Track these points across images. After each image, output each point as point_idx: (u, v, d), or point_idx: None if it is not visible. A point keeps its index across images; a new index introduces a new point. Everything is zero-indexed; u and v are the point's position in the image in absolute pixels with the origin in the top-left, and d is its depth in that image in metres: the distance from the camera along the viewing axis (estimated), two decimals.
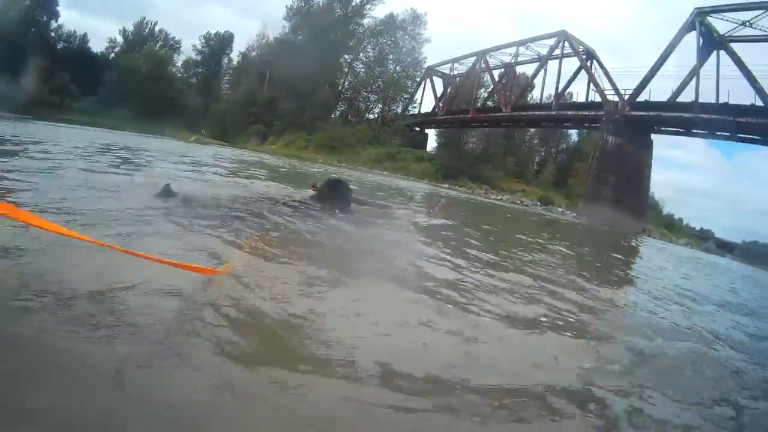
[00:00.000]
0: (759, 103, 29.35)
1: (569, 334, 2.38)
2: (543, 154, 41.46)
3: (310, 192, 4.84)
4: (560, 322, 2.51)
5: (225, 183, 6.18)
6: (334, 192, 4.40)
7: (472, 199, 26.44)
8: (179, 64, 49.41)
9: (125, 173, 5.39)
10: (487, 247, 4.64)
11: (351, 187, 4.76)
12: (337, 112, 42.67)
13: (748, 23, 32.10)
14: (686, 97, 33.61)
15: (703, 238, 39.67)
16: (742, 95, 30.00)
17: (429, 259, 3.35)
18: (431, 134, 41.61)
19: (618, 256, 8.52)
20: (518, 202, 35.15)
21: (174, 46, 50.54)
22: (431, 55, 45.74)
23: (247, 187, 5.84)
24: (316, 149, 41.29)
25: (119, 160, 6.75)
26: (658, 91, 32.91)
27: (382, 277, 2.54)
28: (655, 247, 19.52)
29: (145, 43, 46.36)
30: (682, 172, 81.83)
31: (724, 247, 38.74)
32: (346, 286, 2.26)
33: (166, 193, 3.54)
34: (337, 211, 4.10)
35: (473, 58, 39.69)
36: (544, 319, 2.49)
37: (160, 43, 49.83)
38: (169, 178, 4.77)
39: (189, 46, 52.22)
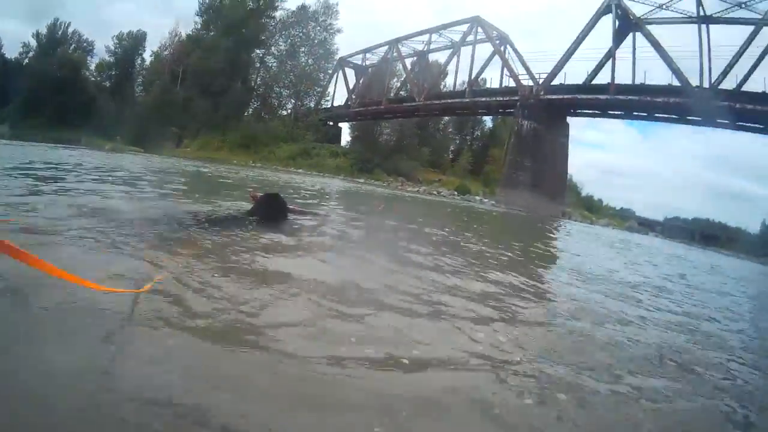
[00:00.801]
0: (676, 83, 29.70)
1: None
2: (458, 142, 40.96)
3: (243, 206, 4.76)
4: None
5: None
6: (269, 208, 4.29)
7: (389, 194, 25.71)
8: (92, 67, 46.41)
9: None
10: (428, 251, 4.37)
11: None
12: (250, 110, 40.76)
13: (664, 6, 32.39)
14: (602, 79, 33.61)
15: (624, 217, 40.15)
16: (659, 76, 30.08)
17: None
18: (345, 127, 40.43)
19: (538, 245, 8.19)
20: (435, 192, 34.47)
21: (87, 48, 47.79)
22: (344, 46, 44.66)
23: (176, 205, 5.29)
24: (231, 149, 39.58)
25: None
26: (575, 75, 32.74)
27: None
28: (576, 230, 19.40)
29: (58, 47, 43.80)
30: (599, 152, 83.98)
31: (647, 225, 39.38)
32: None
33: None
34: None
35: (386, 48, 38.54)
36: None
37: (73, 45, 46.93)
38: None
39: (102, 47, 49.11)
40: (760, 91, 27.51)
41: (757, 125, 31.93)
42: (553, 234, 13.80)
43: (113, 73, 49.32)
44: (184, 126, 42.55)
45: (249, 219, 4.06)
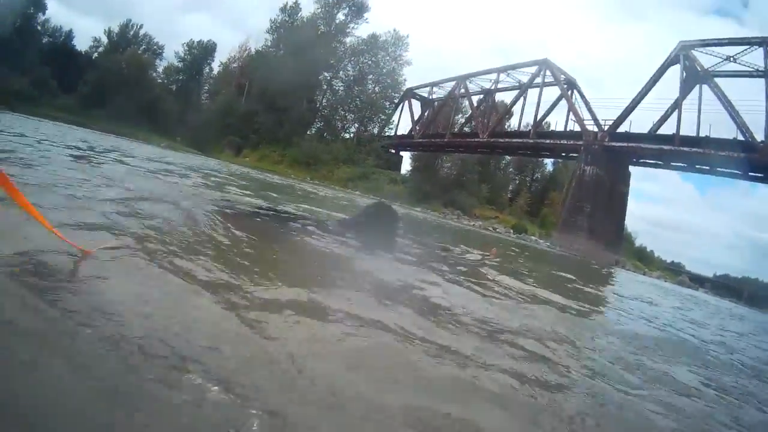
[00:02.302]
0: (740, 137, 29.51)
1: None
2: (517, 182, 41.29)
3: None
4: None
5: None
6: (376, 220, 3.60)
7: (445, 224, 26.35)
8: (160, 69, 48.81)
9: None
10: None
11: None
12: (314, 129, 42.01)
13: (731, 58, 32.58)
14: (667, 130, 33.67)
15: (675, 271, 39.54)
16: (724, 130, 30.15)
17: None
18: (406, 157, 41.20)
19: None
20: (491, 228, 34.69)
21: (157, 51, 50.48)
22: (411, 77, 45.91)
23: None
24: (290, 165, 40.67)
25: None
26: (640, 124, 32.97)
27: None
28: (640, 281, 19.31)
29: (128, 46, 47.01)
30: (654, 204, 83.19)
31: (697, 281, 38.75)
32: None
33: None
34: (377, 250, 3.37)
35: (453, 83, 39.54)
36: None
37: (143, 46, 49.77)
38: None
39: (171, 52, 51.62)
40: None
41: None
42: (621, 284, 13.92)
43: (180, 77, 51.59)
44: (245, 137, 43.92)
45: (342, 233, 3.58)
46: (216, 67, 50.99)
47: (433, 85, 40.78)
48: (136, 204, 3.10)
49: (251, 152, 43.79)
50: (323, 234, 3.54)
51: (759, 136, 28.79)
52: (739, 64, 31.67)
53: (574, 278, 7.86)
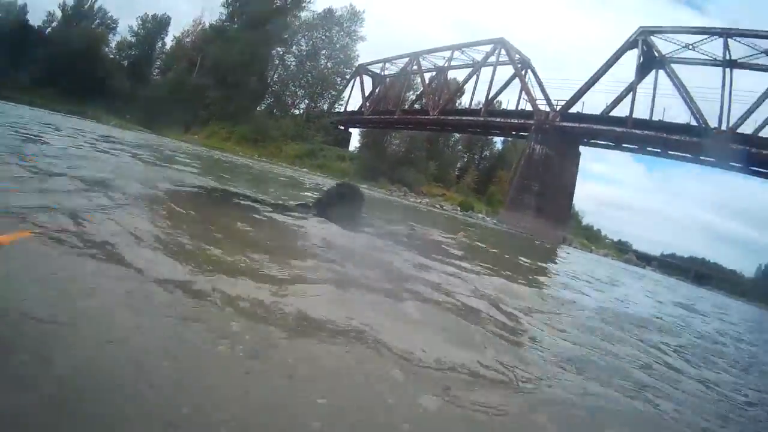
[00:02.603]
0: (694, 122, 29.80)
1: None
2: (465, 160, 40.89)
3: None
4: None
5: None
6: (341, 200, 3.81)
7: (392, 201, 26.23)
8: (113, 44, 46.78)
9: None
10: None
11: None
12: (264, 105, 40.76)
13: (690, 46, 32.64)
14: (620, 112, 33.68)
15: (622, 250, 39.82)
16: (678, 115, 30.26)
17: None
18: (355, 133, 40.41)
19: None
20: (438, 206, 34.27)
21: (110, 26, 48.27)
22: (364, 53, 44.82)
23: None
24: (239, 142, 39.49)
25: None
26: (594, 106, 32.83)
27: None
28: (583, 257, 19.72)
29: (82, 20, 44.16)
30: (604, 184, 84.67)
31: (644, 259, 39.16)
32: None
33: None
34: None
35: (406, 60, 38.74)
36: None
37: (97, 20, 47.40)
38: None
39: (126, 26, 49.58)
40: None
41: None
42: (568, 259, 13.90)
43: (133, 53, 49.69)
44: (195, 113, 42.56)
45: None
46: (169, 42, 49.15)
47: (385, 61, 40.07)
48: (69, 186, 2.83)
49: (201, 129, 42.50)
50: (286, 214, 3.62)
51: (713, 123, 29.05)
52: (698, 52, 31.86)
53: (522, 254, 8.27)
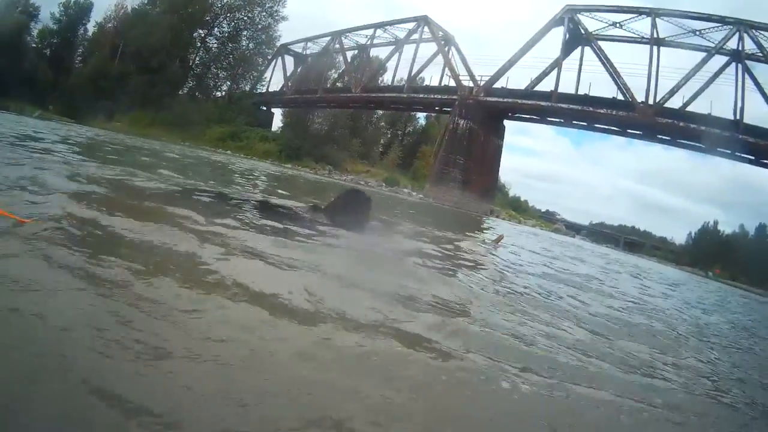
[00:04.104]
0: (620, 98, 30.60)
1: None
2: (389, 136, 40.78)
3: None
4: None
5: None
6: (346, 206, 4.17)
7: (317, 180, 26.17)
8: (35, 33, 44.51)
9: None
10: None
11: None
12: (186, 89, 39.53)
13: (617, 24, 33.08)
14: (546, 87, 33.99)
15: (550, 220, 40.45)
16: (605, 90, 31.07)
17: None
18: (278, 114, 39.74)
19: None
20: (363, 182, 34.02)
21: (32, 13, 45.66)
22: (286, 33, 43.65)
23: None
24: (163, 127, 38.25)
25: None
26: (519, 82, 33.23)
27: None
28: (511, 229, 20.37)
29: (3, 8, 42.07)
30: (529, 157, 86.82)
31: (573, 228, 39.98)
32: None
33: None
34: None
35: (328, 39, 38.16)
36: None
37: (19, 8, 44.96)
38: None
39: (48, 14, 47.26)
40: (706, 112, 28.66)
41: (698, 144, 32.96)
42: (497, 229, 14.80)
43: (55, 41, 47.51)
44: (118, 100, 41.04)
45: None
46: (92, 28, 47.13)
47: (307, 40, 39.57)
48: None
49: (123, 116, 40.99)
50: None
51: (639, 98, 29.92)
52: (626, 30, 32.48)
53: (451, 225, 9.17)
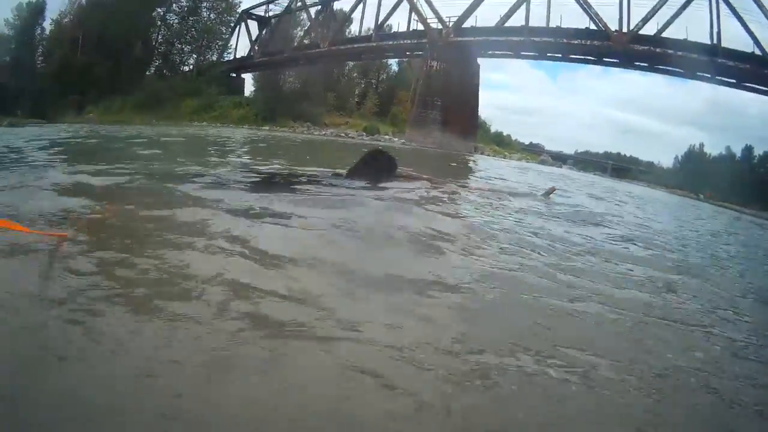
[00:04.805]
0: (593, 27, 30.20)
1: None
2: (363, 86, 40.33)
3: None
4: None
5: None
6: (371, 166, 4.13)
7: (298, 139, 25.93)
8: None
9: None
10: None
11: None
12: (152, 69, 38.80)
13: None
14: (516, 22, 33.63)
15: (535, 152, 40.28)
16: (577, 21, 30.78)
17: None
18: (248, 79, 39.13)
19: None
20: (343, 135, 33.63)
21: None
22: None
23: None
24: (134, 110, 37.61)
25: None
26: (488, 20, 32.79)
27: None
28: (503, 165, 21.21)
29: None
30: (507, 92, 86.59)
31: (559, 159, 39.89)
32: None
33: None
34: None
35: None
36: None
37: None
38: None
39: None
40: (682, 38, 28.41)
41: (676, 69, 32.77)
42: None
43: (12, 47, 46.41)
44: (86, 92, 40.29)
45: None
46: (48, 26, 46.04)
47: (268, 2, 38.80)
48: None
49: (94, 107, 40.27)
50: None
51: (613, 26, 29.69)
52: None
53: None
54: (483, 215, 3.95)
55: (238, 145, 13.30)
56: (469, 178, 8.61)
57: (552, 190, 6.67)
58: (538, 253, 2.92)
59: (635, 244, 3.92)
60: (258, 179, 4.48)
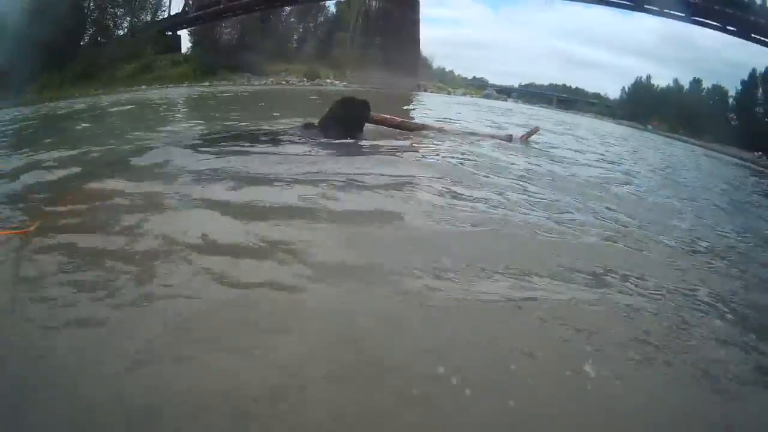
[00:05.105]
0: None
1: None
2: (301, 30, 39.63)
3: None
4: None
5: None
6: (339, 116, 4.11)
7: (239, 90, 25.67)
8: None
9: None
10: None
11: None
12: (87, 37, 37.51)
13: None
14: None
15: (479, 86, 40.35)
16: None
17: None
18: (185, 35, 38.11)
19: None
20: (284, 82, 33.06)
21: None
22: None
23: None
24: (73, 83, 36.39)
25: None
26: None
27: None
28: (446, 100, 23.00)
29: None
30: (448, 27, 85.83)
31: (503, 92, 40.07)
32: None
33: None
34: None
35: None
36: None
37: None
38: None
39: None
40: None
41: (624, 2, 32.67)
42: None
43: None
44: (20, 71, 38.87)
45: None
46: None
47: None
48: None
49: (32, 86, 38.94)
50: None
51: None
52: None
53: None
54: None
55: (185, 107, 13.26)
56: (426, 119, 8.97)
57: (534, 131, 6.31)
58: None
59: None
60: (229, 140, 4.59)
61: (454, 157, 4.32)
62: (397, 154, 4.20)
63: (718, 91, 43.30)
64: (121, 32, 37.59)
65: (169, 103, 13.64)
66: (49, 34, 38.33)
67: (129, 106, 12.59)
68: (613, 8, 34.28)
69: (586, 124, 21.98)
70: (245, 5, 34.87)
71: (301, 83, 32.66)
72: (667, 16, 31.28)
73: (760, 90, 40.32)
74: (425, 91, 35.11)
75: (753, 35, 28.50)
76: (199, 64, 33.74)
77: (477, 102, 27.72)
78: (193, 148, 3.90)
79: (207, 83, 33.07)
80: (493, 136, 5.99)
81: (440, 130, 5.45)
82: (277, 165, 3.44)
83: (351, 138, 3.99)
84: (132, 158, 3.97)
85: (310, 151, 3.84)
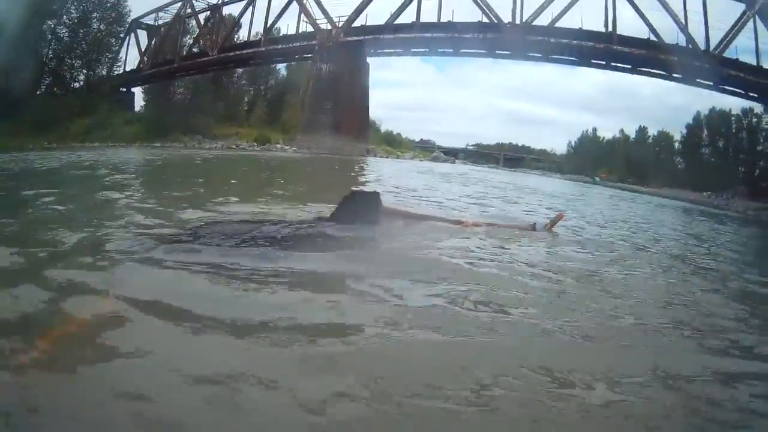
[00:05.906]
0: (485, 20, 30.90)
1: None
2: (252, 93, 40.30)
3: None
4: None
5: None
6: (353, 207, 4.09)
7: (186, 154, 25.33)
8: None
9: None
10: None
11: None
12: (43, 87, 37.74)
13: None
14: (407, 18, 33.82)
15: (427, 148, 41.25)
16: (470, 14, 31.06)
17: None
18: (138, 93, 38.64)
19: None
20: (234, 146, 33.80)
21: None
22: (137, 7, 41.08)
23: None
24: (27, 133, 36.57)
25: None
26: (381, 17, 33.11)
27: None
28: (397, 166, 21.83)
29: None
30: (396, 89, 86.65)
31: (451, 153, 41.02)
32: None
33: None
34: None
35: (179, 4, 36.74)
36: None
37: None
38: None
39: None
40: (577, 27, 29.35)
41: (571, 58, 33.52)
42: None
43: None
44: None
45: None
46: None
47: (158, 10, 38.29)
48: None
49: None
50: None
51: (506, 18, 30.48)
52: None
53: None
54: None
55: (151, 174, 12.03)
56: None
57: (559, 218, 5.75)
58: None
59: None
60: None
61: (490, 260, 3.87)
62: (424, 251, 3.82)
63: (664, 136, 44.75)
64: (77, 84, 37.96)
65: (126, 168, 12.10)
66: (7, 79, 38.49)
67: (85, 171, 10.25)
68: (558, 64, 35.01)
69: (532, 183, 22.40)
70: (199, 65, 35.42)
71: (251, 148, 33.27)
72: (613, 69, 32.36)
73: (705, 131, 41.58)
74: (374, 155, 35.72)
75: (698, 80, 29.61)
76: (151, 125, 34.35)
77: (431, 168, 28.12)
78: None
79: (159, 144, 33.56)
80: (514, 227, 5.40)
81: (457, 222, 4.87)
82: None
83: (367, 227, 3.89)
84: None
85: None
